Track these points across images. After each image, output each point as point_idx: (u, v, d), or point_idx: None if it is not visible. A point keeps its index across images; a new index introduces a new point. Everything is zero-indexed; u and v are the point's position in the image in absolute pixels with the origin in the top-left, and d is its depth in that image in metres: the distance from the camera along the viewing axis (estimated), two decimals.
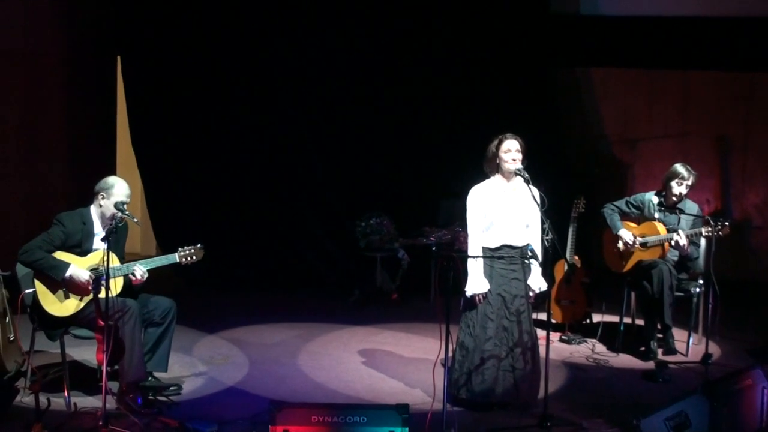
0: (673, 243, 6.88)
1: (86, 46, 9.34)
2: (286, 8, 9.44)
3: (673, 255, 7.08)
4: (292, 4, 9.45)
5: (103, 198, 5.73)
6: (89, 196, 5.82)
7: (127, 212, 5.68)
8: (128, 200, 5.75)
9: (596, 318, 7.69)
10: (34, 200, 8.69)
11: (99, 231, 5.74)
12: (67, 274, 5.54)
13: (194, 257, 5.81)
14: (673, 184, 7.01)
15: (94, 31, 9.42)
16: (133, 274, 5.64)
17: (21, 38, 8.64)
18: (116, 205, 5.67)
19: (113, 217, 5.67)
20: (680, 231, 6.85)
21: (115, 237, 5.58)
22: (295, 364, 6.77)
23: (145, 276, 5.68)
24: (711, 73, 9.84)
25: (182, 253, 5.78)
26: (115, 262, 5.58)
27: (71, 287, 5.59)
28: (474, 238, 5.74)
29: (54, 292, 5.60)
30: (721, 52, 9.62)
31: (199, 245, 5.83)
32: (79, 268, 5.59)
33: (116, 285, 5.54)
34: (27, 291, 5.67)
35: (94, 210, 5.78)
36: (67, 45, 9.11)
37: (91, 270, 5.62)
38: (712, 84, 9.87)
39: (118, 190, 5.72)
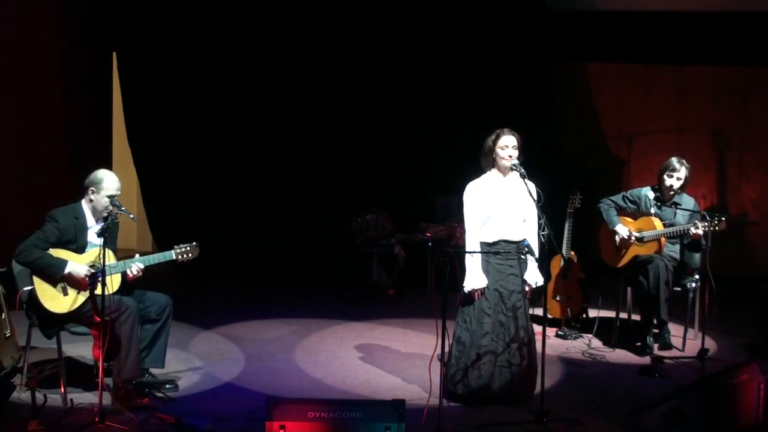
0: (692, 234, 6.77)
1: (82, 42, 9.33)
2: (283, 3, 9.42)
3: (669, 251, 7.08)
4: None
5: (93, 192, 5.73)
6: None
7: (123, 208, 5.68)
8: (118, 193, 5.75)
9: (592, 313, 7.70)
10: (30, 196, 8.65)
11: (92, 224, 5.75)
12: (66, 271, 5.54)
13: (190, 255, 5.82)
14: (665, 176, 7.02)
15: (90, 28, 9.41)
16: (130, 270, 5.65)
17: (17, 35, 8.61)
18: (110, 200, 5.67)
19: (108, 211, 5.67)
20: (697, 222, 6.76)
21: (109, 232, 5.58)
22: (291, 359, 6.77)
23: (140, 272, 5.69)
24: (707, 68, 9.84)
25: (179, 251, 5.79)
26: (112, 259, 5.59)
27: (71, 283, 5.59)
28: (471, 234, 5.74)
29: (53, 288, 5.60)
30: (717, 47, 9.63)
31: (194, 243, 5.83)
32: (77, 264, 5.59)
33: (113, 282, 5.54)
34: (24, 289, 5.67)
35: (85, 204, 5.77)
36: (62, 41, 9.09)
37: (89, 266, 5.62)
38: (709, 79, 9.87)
39: (107, 183, 5.72)
